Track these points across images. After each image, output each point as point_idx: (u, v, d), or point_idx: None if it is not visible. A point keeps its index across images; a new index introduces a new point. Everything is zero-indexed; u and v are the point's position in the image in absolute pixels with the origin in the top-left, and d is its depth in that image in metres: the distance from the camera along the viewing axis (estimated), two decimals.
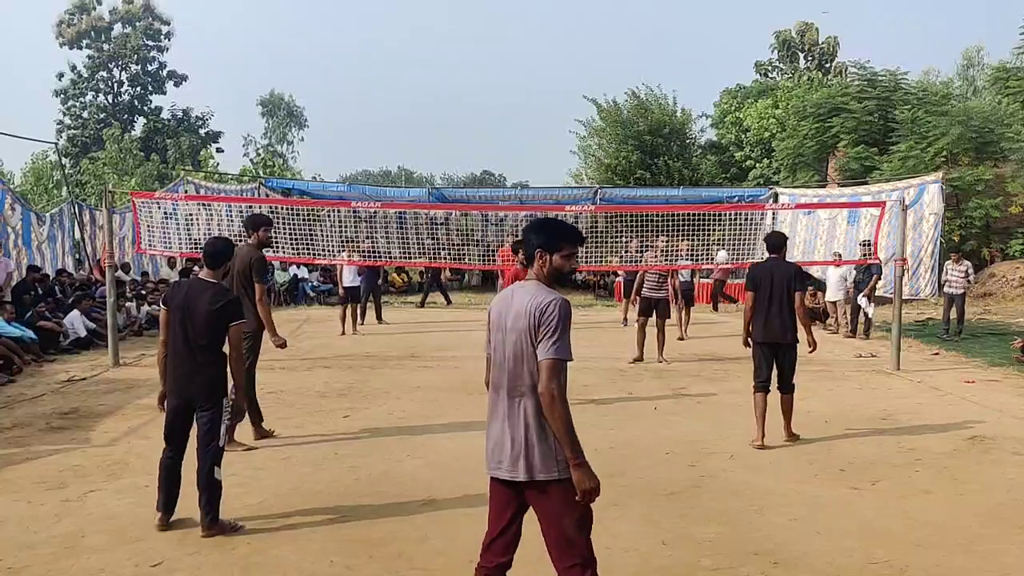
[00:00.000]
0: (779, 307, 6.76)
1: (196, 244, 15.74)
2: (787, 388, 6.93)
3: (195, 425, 4.86)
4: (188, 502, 4.89)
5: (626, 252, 14.21)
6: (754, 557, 4.50)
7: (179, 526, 4.85)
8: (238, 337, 4.88)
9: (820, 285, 16.58)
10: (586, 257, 15.77)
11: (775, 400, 6.90)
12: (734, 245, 13.87)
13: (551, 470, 3.07)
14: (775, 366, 6.88)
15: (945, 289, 14.23)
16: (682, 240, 13.81)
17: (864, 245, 14.47)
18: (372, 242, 16.93)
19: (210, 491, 4.75)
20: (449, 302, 19.65)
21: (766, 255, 7.21)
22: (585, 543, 3.11)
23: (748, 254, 15.05)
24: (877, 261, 13.68)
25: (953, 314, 13.90)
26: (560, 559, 3.10)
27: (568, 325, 3.08)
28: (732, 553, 4.56)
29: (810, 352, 7.08)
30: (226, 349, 4.88)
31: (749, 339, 7.05)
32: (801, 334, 6.90)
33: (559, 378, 3.01)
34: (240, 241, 7.28)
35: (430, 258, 19.81)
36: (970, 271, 14.14)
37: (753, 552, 4.57)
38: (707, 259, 14.23)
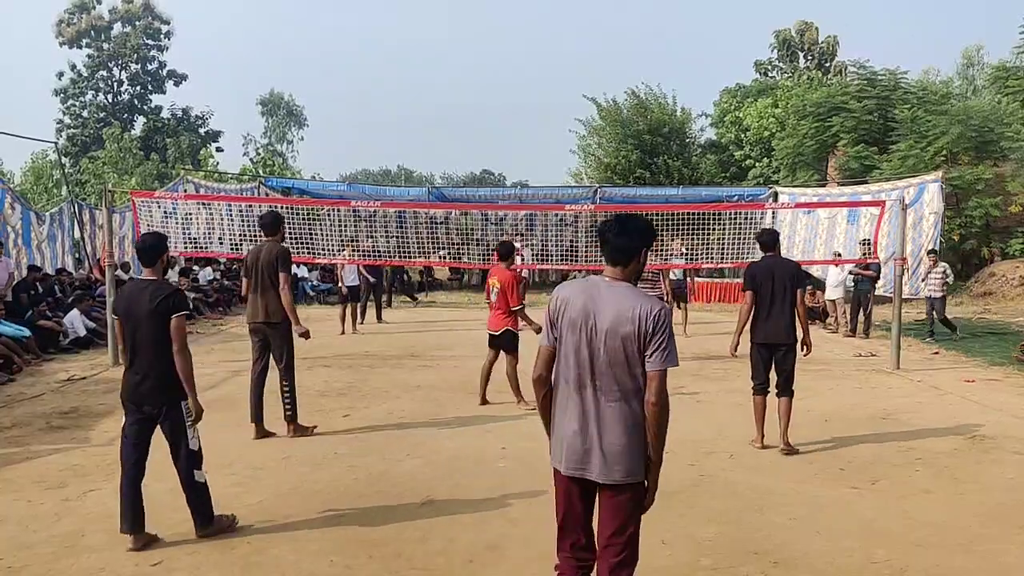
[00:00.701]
0: (781, 306, 6.55)
1: (196, 244, 15.76)
2: (787, 391, 6.71)
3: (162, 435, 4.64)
4: (178, 499, 4.88)
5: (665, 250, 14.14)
6: (754, 557, 4.50)
7: (179, 526, 4.85)
8: (180, 329, 4.55)
9: (819, 284, 16.59)
10: (587, 257, 15.79)
11: (774, 400, 6.80)
12: (734, 245, 13.84)
13: (641, 472, 3.15)
14: (774, 368, 6.72)
15: (925, 292, 14.06)
16: (674, 239, 13.81)
17: (864, 244, 14.47)
18: (373, 242, 16.93)
19: (196, 494, 4.65)
20: (415, 301, 19.67)
21: (761, 254, 6.97)
22: (636, 550, 3.24)
23: (748, 254, 15.03)
24: (876, 260, 13.69)
25: (934, 315, 13.83)
26: (617, 556, 3.16)
27: (673, 333, 3.14)
28: (732, 553, 4.56)
29: (804, 355, 6.80)
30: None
31: (739, 343, 6.82)
32: (800, 334, 6.72)
33: (667, 388, 3.10)
34: (243, 240, 7.39)
35: (445, 257, 19.84)
36: (948, 272, 13.94)
37: (753, 552, 4.57)
38: (707, 259, 14.19)
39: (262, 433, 6.99)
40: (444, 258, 20.38)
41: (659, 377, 3.05)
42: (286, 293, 6.90)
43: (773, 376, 6.78)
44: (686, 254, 13.82)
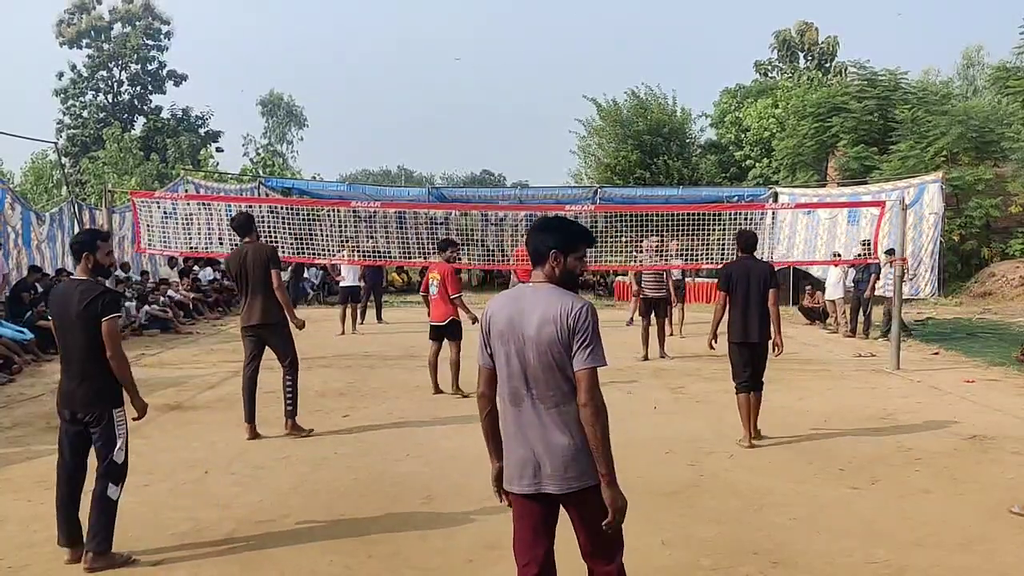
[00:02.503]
0: (757, 306, 6.74)
1: (196, 244, 15.77)
2: (758, 386, 6.87)
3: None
4: (176, 500, 4.87)
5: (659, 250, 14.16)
6: (754, 557, 4.51)
7: (178, 526, 4.85)
8: (112, 333, 4.27)
9: (820, 285, 16.59)
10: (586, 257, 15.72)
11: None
12: (734, 245, 13.85)
13: (593, 476, 2.95)
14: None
15: (882, 292, 13.85)
16: (673, 239, 13.82)
17: (864, 244, 14.46)
18: (373, 242, 16.94)
19: (103, 512, 4.28)
20: (379, 319, 16.34)
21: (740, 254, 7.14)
22: (621, 540, 3.08)
23: None
24: (876, 261, 13.68)
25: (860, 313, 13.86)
26: (602, 561, 3.04)
27: (599, 330, 2.96)
28: (732, 553, 4.56)
29: (776, 355, 6.92)
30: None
31: (716, 340, 7.08)
32: (775, 333, 6.82)
33: (599, 387, 2.91)
34: (232, 241, 7.42)
35: (471, 257, 19.70)
36: (905, 270, 13.74)
37: (753, 552, 4.57)
38: (707, 259, 14.19)
39: (254, 434, 6.96)
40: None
41: (587, 377, 2.88)
42: (281, 292, 6.93)
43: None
44: (684, 254, 13.82)
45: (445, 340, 8.88)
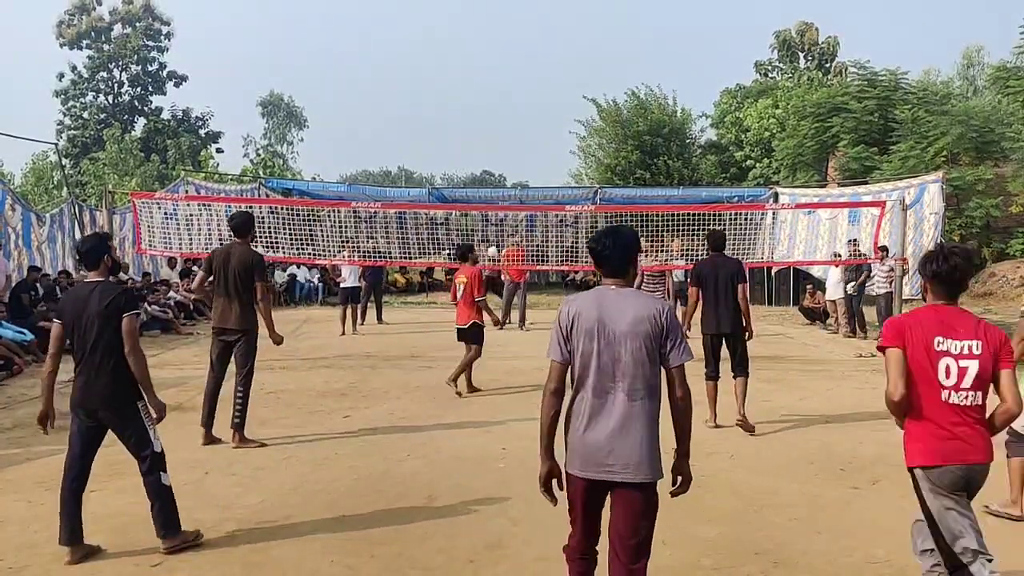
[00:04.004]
0: (725, 300, 7.26)
1: (196, 245, 15.77)
2: (743, 372, 7.32)
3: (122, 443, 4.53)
4: (177, 500, 4.88)
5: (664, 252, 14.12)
6: (754, 557, 4.51)
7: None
8: (131, 330, 4.39)
9: (820, 285, 16.58)
10: (586, 257, 15.75)
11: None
12: (735, 245, 13.84)
13: (659, 473, 3.27)
14: (728, 353, 7.35)
15: (869, 290, 13.75)
16: (673, 239, 13.82)
17: (851, 243, 14.54)
18: (374, 242, 16.94)
19: (164, 501, 4.46)
20: (380, 319, 16.20)
21: (711, 253, 7.66)
22: (650, 543, 3.31)
23: (748, 254, 15.05)
24: (876, 260, 13.69)
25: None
26: (635, 554, 3.23)
27: None
28: (732, 553, 4.56)
29: (747, 340, 7.44)
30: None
31: (689, 329, 7.48)
32: (746, 323, 7.40)
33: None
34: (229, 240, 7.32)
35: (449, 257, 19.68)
36: (894, 269, 13.57)
37: (753, 552, 4.58)
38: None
39: (211, 439, 6.75)
40: (446, 259, 20.35)
41: (682, 371, 3.28)
42: (265, 304, 6.80)
43: (726, 364, 7.39)
44: (685, 253, 13.84)
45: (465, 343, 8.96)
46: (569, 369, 3.30)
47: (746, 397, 7.28)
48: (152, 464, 4.45)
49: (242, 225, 6.96)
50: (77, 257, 4.72)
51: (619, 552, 3.24)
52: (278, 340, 6.99)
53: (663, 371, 3.30)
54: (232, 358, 6.81)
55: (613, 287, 3.35)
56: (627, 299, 3.30)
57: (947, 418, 3.43)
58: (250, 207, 15.58)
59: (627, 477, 3.19)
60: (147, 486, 4.47)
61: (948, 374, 3.39)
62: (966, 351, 3.39)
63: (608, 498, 3.29)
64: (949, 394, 3.41)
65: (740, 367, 7.35)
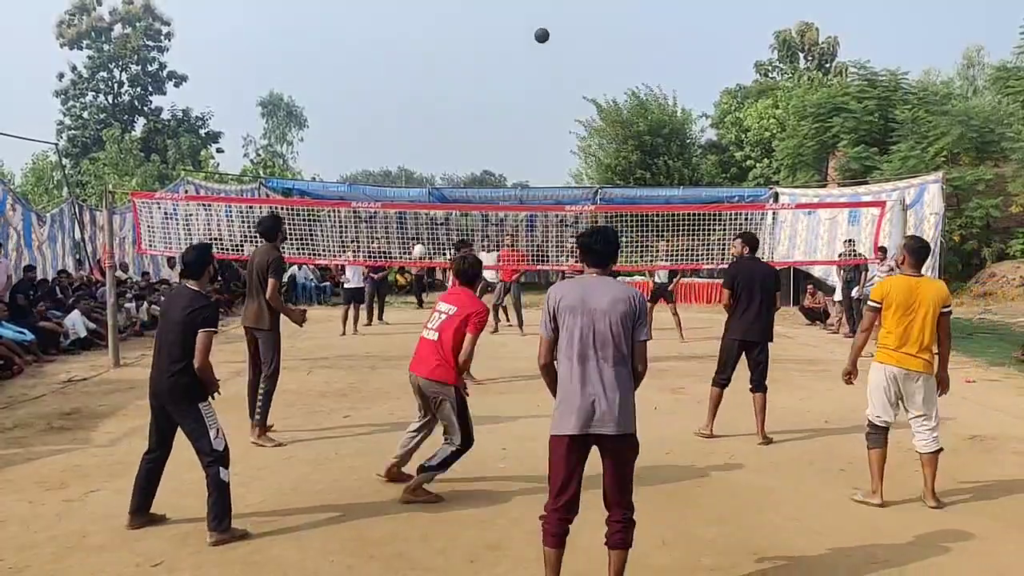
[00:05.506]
0: (759, 306, 6.87)
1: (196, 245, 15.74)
2: (762, 387, 7.00)
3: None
4: (180, 500, 4.88)
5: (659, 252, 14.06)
6: (754, 557, 4.52)
7: (178, 526, 4.85)
8: (203, 345, 4.65)
9: (820, 285, 16.60)
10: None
11: (734, 395, 6.89)
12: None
13: (634, 424, 3.87)
14: (749, 365, 6.99)
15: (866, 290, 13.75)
16: (659, 240, 13.78)
17: (848, 243, 14.56)
18: (377, 243, 16.96)
19: (218, 492, 4.67)
20: (380, 318, 16.31)
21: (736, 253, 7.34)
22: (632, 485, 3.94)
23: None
24: (875, 260, 13.67)
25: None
26: (622, 495, 3.86)
27: None
28: (732, 553, 4.57)
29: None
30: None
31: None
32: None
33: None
34: (244, 241, 7.43)
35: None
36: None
37: (753, 552, 4.58)
38: (707, 259, 14.17)
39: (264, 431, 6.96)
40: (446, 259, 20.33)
41: (644, 346, 3.90)
42: (274, 299, 6.91)
43: (744, 375, 7.05)
44: (672, 254, 13.73)
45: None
46: (558, 343, 3.86)
47: (765, 413, 6.99)
48: (212, 460, 4.69)
49: (268, 230, 7.16)
50: (182, 267, 4.94)
51: (611, 509, 3.87)
52: (298, 319, 7.29)
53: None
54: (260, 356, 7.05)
55: (594, 275, 3.94)
56: (607, 284, 3.91)
57: None
58: (250, 207, 15.61)
59: (614, 429, 3.76)
60: (207, 478, 4.70)
61: None
62: None
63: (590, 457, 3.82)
64: None
65: (760, 382, 6.97)
